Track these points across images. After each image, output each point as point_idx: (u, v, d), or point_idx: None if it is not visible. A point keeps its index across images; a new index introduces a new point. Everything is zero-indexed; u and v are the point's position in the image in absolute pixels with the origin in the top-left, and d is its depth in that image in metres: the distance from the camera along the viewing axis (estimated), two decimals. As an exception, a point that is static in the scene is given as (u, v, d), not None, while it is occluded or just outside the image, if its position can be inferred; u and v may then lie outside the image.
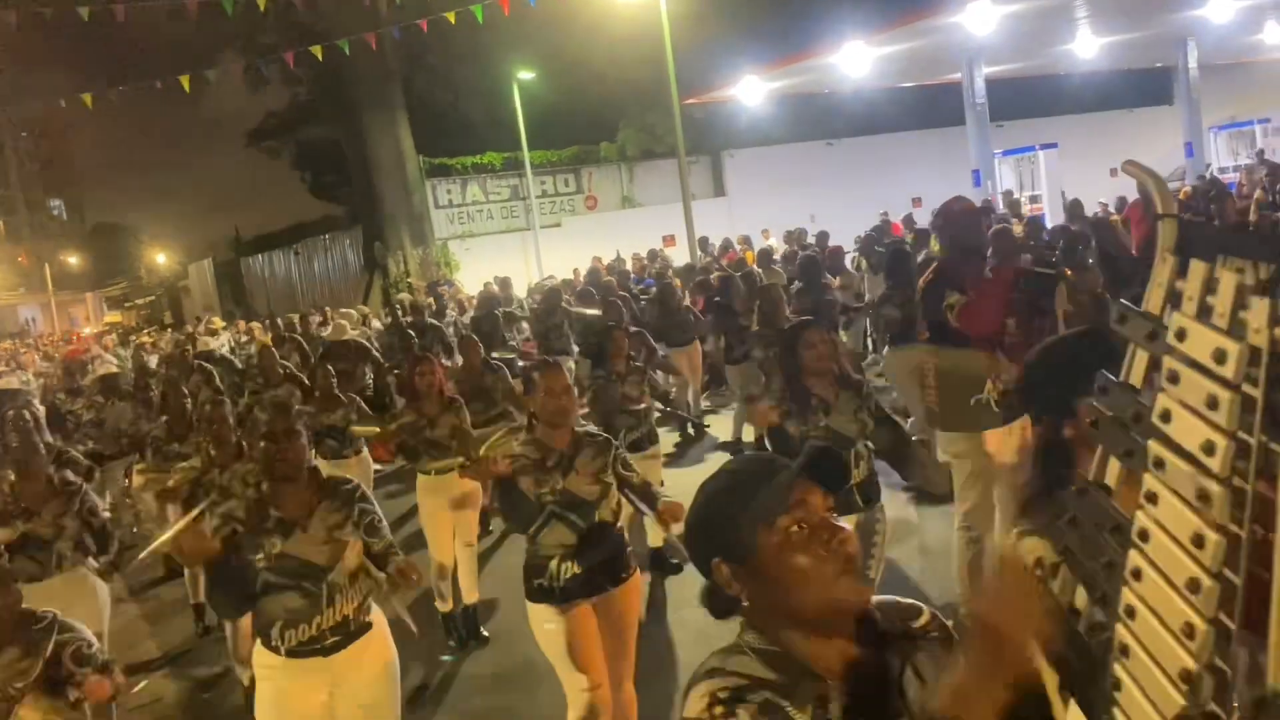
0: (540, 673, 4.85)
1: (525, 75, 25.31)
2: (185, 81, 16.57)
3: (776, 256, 15.44)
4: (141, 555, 5.33)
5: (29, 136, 78.56)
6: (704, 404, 10.49)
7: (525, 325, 11.92)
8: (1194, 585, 1.05)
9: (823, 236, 16.03)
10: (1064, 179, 22.79)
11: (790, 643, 1.46)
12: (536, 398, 3.64)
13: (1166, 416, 1.10)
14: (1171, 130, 29.49)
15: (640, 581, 3.77)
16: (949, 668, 1.34)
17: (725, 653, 1.49)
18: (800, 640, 1.46)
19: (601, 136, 28.37)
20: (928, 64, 22.10)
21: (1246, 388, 1.02)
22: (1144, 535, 1.13)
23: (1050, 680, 1.23)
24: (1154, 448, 1.11)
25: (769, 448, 4.13)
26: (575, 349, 10.44)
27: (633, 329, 7.36)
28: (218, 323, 17.67)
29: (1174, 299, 1.13)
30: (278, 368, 8.14)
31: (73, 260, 67.24)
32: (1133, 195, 18.01)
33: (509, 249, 25.62)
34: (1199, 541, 1.05)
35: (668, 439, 8.64)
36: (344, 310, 13.70)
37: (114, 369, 10.08)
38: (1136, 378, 1.19)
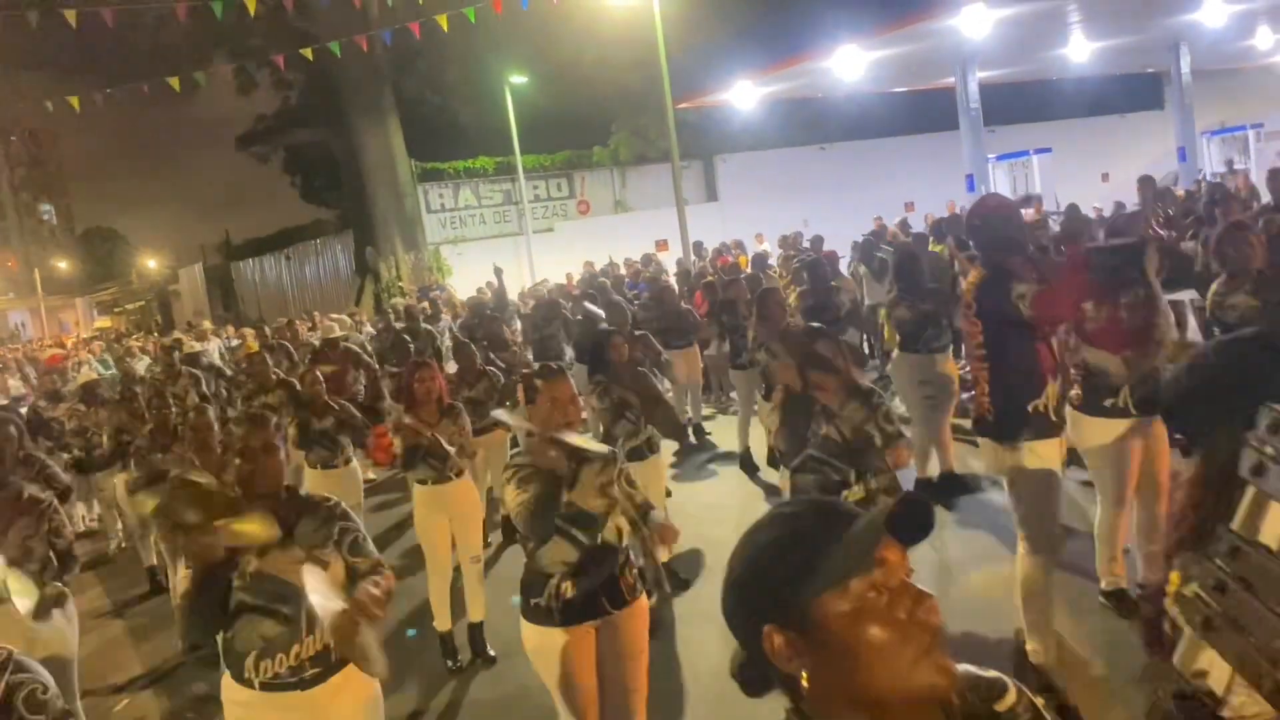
0: (548, 697, 4.74)
1: (518, 79, 25.21)
2: (175, 83, 16.44)
3: (771, 261, 15.34)
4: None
5: (18, 140, 78.27)
6: (703, 410, 10.29)
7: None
8: None
9: (817, 241, 15.92)
10: (1057, 184, 22.76)
11: None
12: (540, 407, 3.42)
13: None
14: (1163, 135, 29.51)
15: (646, 605, 3.56)
16: None
17: None
18: None
19: (594, 141, 28.28)
20: (921, 68, 22.02)
21: None
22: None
23: None
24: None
25: (779, 455, 3.94)
26: (570, 356, 10.31)
27: (637, 332, 7.23)
28: (207, 326, 17.47)
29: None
30: (270, 373, 7.96)
31: (62, 265, 66.98)
32: (1126, 199, 18.02)
33: (501, 254, 25.38)
34: None
35: (667, 446, 8.45)
36: (334, 316, 13.54)
37: (95, 376, 9.88)
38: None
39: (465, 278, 23.18)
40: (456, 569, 5.56)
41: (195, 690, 5.64)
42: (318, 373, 6.61)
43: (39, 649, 3.90)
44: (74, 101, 16.14)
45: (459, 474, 5.35)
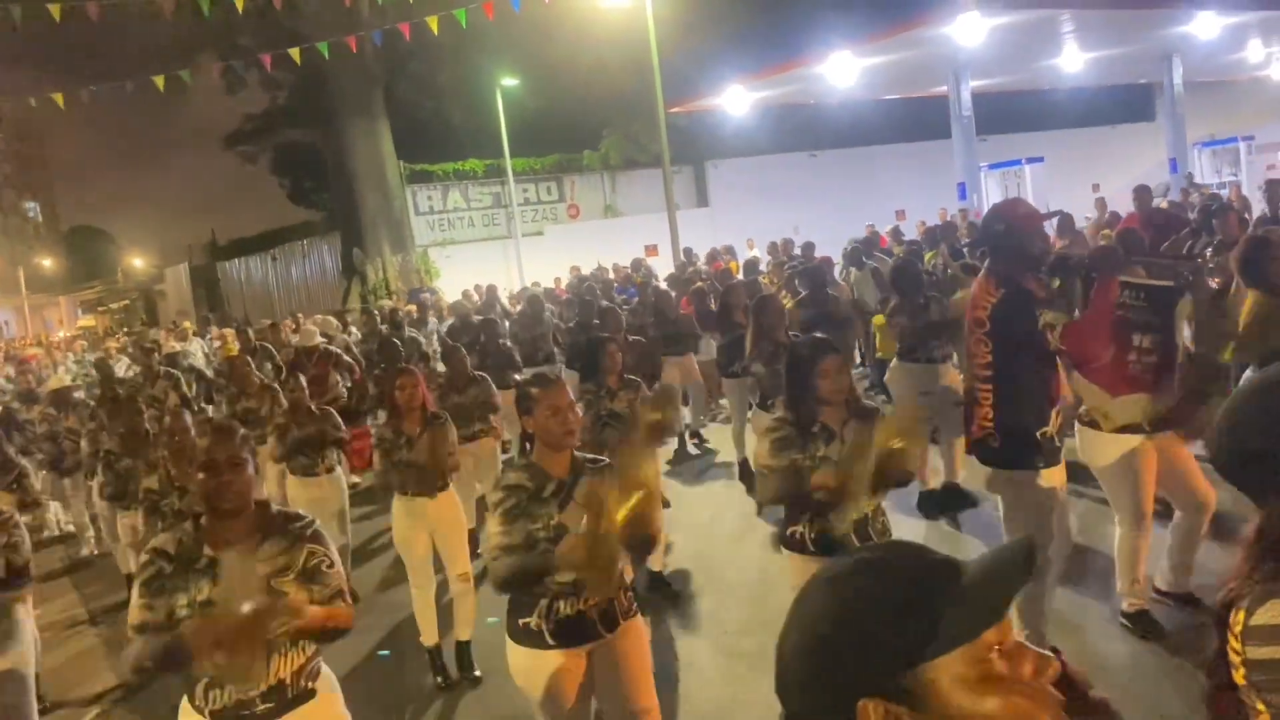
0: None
1: (508, 82, 25.07)
2: (160, 81, 16.23)
3: (762, 267, 15.22)
4: None
5: (3, 137, 77.78)
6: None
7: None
8: None
9: (808, 248, 15.80)
10: (1048, 194, 22.71)
11: None
12: (537, 417, 3.15)
13: None
14: (1153, 146, 29.57)
15: (642, 624, 3.37)
16: None
17: None
18: None
19: (584, 145, 28.15)
20: (914, 76, 22.00)
21: None
22: None
23: None
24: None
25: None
26: (560, 361, 10.15)
27: (632, 338, 7.07)
28: (189, 326, 17.21)
29: None
30: (253, 377, 7.72)
31: (47, 263, 66.40)
32: (1118, 209, 17.96)
33: (490, 257, 25.35)
34: None
35: (661, 455, 8.28)
36: (319, 317, 13.32)
37: (66, 382, 9.62)
38: None
39: (453, 280, 22.99)
40: (444, 579, 5.38)
41: (171, 701, 5.42)
42: (300, 378, 6.39)
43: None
44: (59, 99, 15.91)
45: (443, 488, 5.13)
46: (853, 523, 3.49)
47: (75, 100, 16.46)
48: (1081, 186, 26.72)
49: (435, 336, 11.19)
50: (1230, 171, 24.21)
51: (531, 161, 27.59)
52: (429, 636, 5.18)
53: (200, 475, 2.76)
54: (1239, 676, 1.40)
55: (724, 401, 9.04)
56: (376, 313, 12.79)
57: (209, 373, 10.31)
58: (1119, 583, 4.56)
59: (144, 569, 2.73)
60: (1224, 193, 19.64)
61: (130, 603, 2.80)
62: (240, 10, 13.20)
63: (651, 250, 22.89)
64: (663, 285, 13.65)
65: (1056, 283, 4.36)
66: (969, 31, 16.98)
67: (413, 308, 15.00)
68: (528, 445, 3.30)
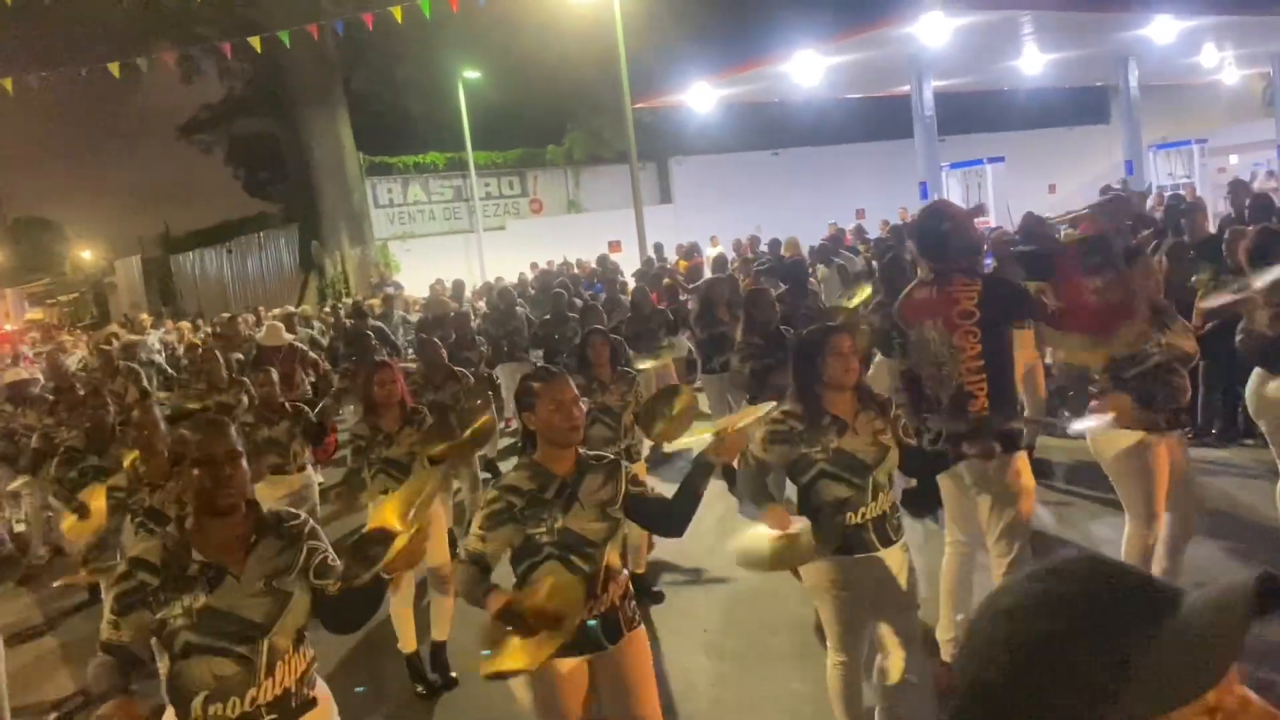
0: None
1: (471, 74, 24.84)
2: (115, 69, 15.87)
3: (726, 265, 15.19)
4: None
5: (-54, 125, 75.73)
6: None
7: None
8: None
9: (774, 245, 15.84)
10: (1006, 194, 22.94)
11: None
12: (540, 412, 3.00)
13: None
14: (1108, 148, 30.05)
15: (645, 634, 3.23)
16: None
17: None
18: None
19: (548, 139, 27.99)
20: (877, 76, 22.11)
21: None
22: None
23: None
24: None
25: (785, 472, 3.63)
26: (534, 355, 10.03)
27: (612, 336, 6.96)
28: (146, 320, 16.81)
29: None
30: (222, 370, 7.51)
31: (-9, 255, 64.74)
32: (1068, 209, 18.18)
33: (451, 251, 25.13)
34: None
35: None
36: (276, 312, 13.07)
37: (24, 375, 9.27)
38: None
39: (414, 275, 22.76)
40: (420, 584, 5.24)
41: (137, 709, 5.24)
42: (272, 373, 6.19)
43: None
44: (7, 84, 15.47)
45: None
46: (870, 520, 3.41)
47: (24, 87, 16.03)
48: (1037, 187, 27.07)
49: (401, 330, 11.01)
50: (1183, 174, 24.62)
51: (494, 155, 27.39)
52: (407, 643, 5.00)
53: (195, 472, 2.57)
54: None
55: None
56: (343, 307, 12.56)
57: (169, 368, 10.02)
58: None
59: (120, 581, 2.54)
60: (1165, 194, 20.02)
61: (103, 615, 2.65)
62: (198, -2, 12.90)
63: (615, 246, 22.82)
64: (630, 282, 13.58)
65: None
66: (933, 31, 17.08)
67: (376, 301, 14.76)
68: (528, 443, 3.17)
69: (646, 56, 20.97)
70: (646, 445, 6.17)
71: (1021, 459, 4.02)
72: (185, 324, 15.18)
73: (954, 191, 22.56)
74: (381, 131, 26.47)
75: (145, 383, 8.49)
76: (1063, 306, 4.08)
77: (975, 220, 4.42)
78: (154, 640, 2.57)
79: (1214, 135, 26.15)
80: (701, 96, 22.59)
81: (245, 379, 7.77)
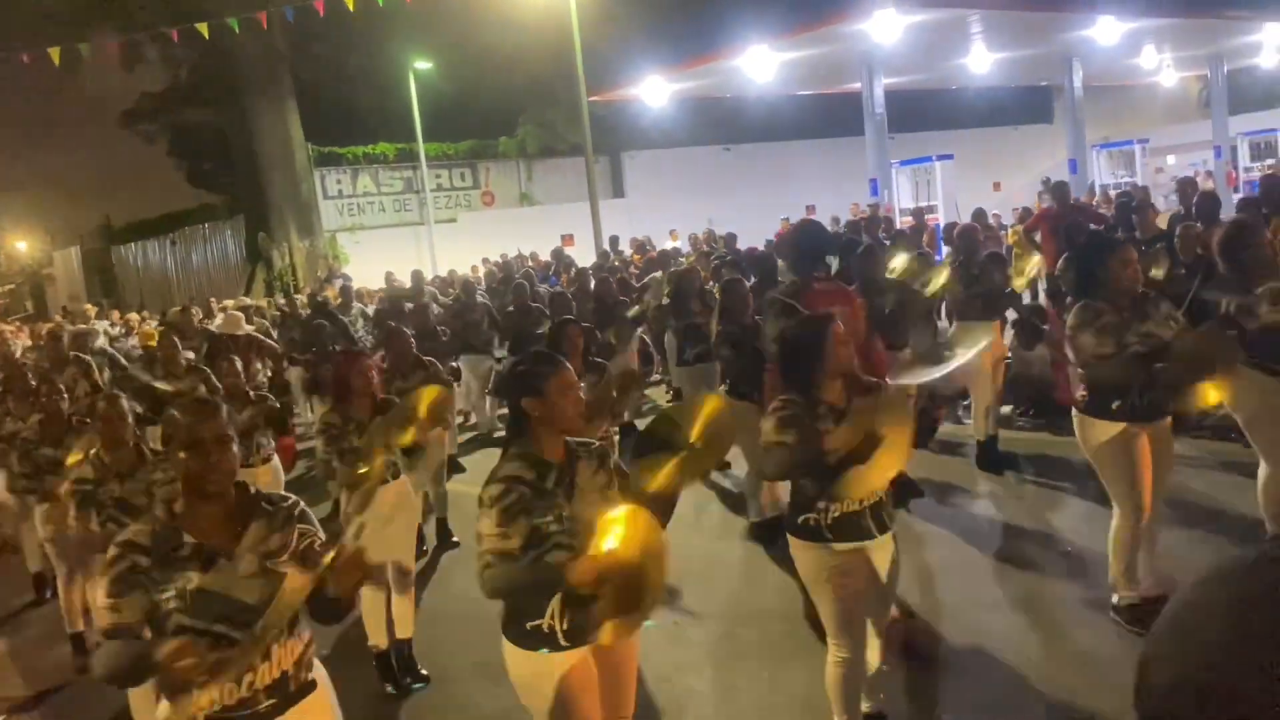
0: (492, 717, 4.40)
1: (422, 65, 24.58)
2: (56, 54, 15.46)
3: (680, 259, 15.23)
4: None
5: (-128, 110, 73.30)
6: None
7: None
8: None
9: (730, 239, 15.95)
10: (954, 191, 23.30)
11: None
12: (550, 398, 2.91)
13: None
14: (1051, 147, 30.61)
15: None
16: None
17: None
18: None
19: (500, 131, 27.83)
20: (829, 72, 22.30)
21: None
22: None
23: None
24: None
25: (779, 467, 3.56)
26: (498, 348, 9.97)
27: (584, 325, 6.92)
28: (91, 311, 16.39)
29: None
30: (180, 358, 7.35)
31: (-80, 245, 62.73)
32: (1015, 207, 18.54)
33: (401, 243, 24.86)
34: None
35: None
36: (230, 303, 12.83)
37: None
38: None
39: (363, 267, 22.50)
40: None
41: (92, 715, 5.09)
42: (236, 362, 6.07)
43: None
44: (-59, 68, 15.02)
45: (395, 475, 4.91)
46: (867, 508, 3.41)
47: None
48: (982, 185, 27.51)
49: (361, 322, 10.87)
50: (1125, 173, 25.19)
51: (445, 147, 27.17)
52: (379, 638, 4.91)
53: (184, 456, 2.56)
54: None
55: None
56: (296, 298, 12.36)
57: (122, 359, 9.75)
58: (1111, 572, 4.53)
59: (113, 564, 2.49)
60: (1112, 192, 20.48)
61: (97, 603, 2.59)
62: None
63: (568, 240, 22.77)
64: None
65: None
66: (885, 28, 17.27)
67: (332, 292, 14.56)
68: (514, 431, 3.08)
69: (600, 49, 20.91)
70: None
71: None
72: (134, 315, 14.81)
73: (904, 188, 22.84)
74: (331, 122, 26.09)
75: (97, 375, 8.28)
76: None
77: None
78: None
79: (1153, 136, 26.79)
80: (655, 90, 22.60)
81: (204, 368, 7.63)
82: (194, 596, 2.46)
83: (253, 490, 2.73)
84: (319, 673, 2.75)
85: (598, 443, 3.13)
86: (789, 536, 3.53)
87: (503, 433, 10.71)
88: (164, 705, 2.50)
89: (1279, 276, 4.51)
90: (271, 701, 2.56)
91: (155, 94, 29.14)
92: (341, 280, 18.73)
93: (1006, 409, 8.01)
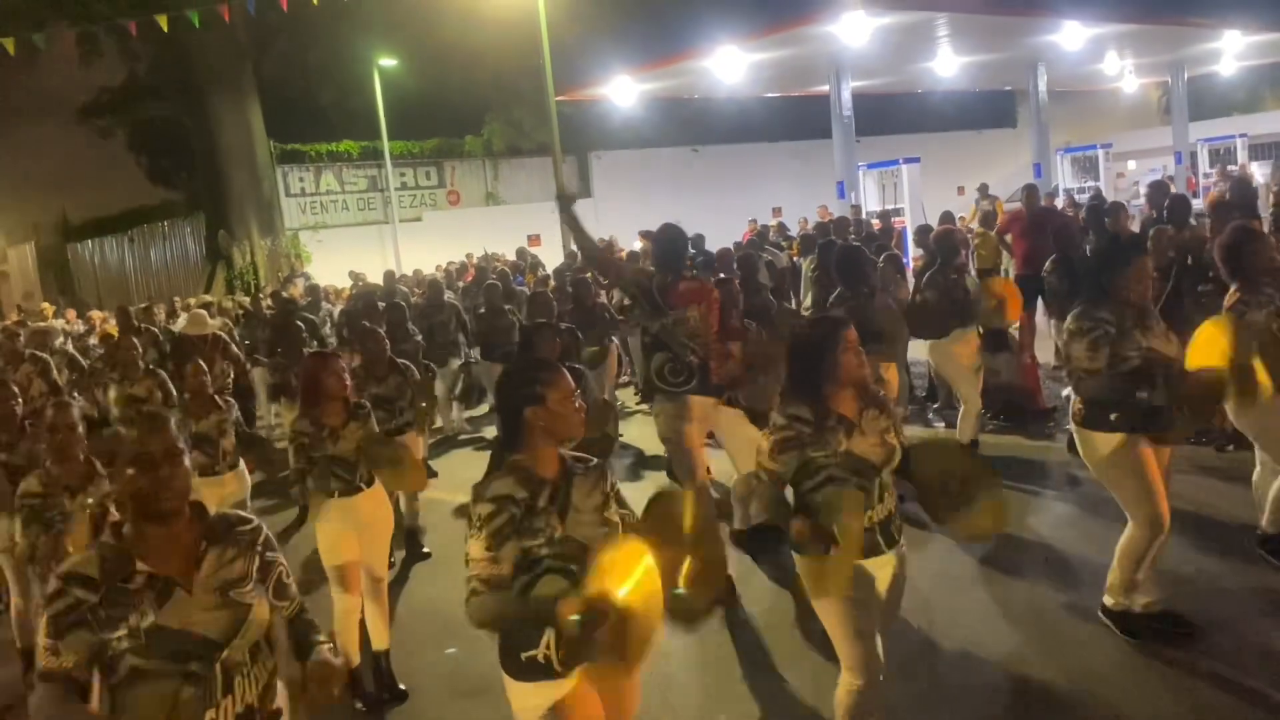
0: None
1: (387, 62, 24.29)
2: (10, 45, 15.08)
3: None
4: None
5: None
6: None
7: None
8: None
9: (699, 240, 15.84)
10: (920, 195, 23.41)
11: None
12: (549, 406, 2.72)
13: None
14: (1014, 152, 30.93)
15: None
16: None
17: None
18: None
19: (466, 130, 27.59)
20: (797, 75, 22.31)
21: None
22: None
23: None
24: None
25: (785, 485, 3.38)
26: (466, 349, 9.80)
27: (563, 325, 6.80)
28: (46, 308, 15.98)
29: None
30: (138, 361, 7.08)
31: None
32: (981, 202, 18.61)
33: (365, 242, 24.60)
34: None
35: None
36: (197, 299, 12.55)
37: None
38: None
39: (326, 266, 22.20)
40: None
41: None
42: (201, 364, 5.85)
43: None
44: (-108, 59, 14.58)
45: (369, 483, 4.67)
46: (877, 523, 3.25)
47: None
48: (946, 188, 27.69)
49: (328, 323, 10.66)
50: (1089, 178, 25.45)
51: (410, 145, 26.89)
52: (353, 655, 4.67)
53: (130, 472, 2.32)
54: None
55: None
56: (262, 297, 12.08)
57: (81, 360, 9.45)
58: (1110, 578, 4.40)
59: (54, 600, 2.24)
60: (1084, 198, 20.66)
61: (17, 603, 2.38)
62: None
63: (534, 240, 22.62)
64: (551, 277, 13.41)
65: None
66: (853, 30, 17.27)
67: (297, 290, 14.29)
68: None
69: (568, 48, 20.75)
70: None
71: None
72: (97, 313, 14.41)
73: (871, 191, 22.91)
74: (293, 118, 25.71)
75: (55, 375, 8.00)
76: None
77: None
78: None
79: (1114, 141, 27.11)
80: (623, 90, 22.48)
81: (161, 371, 7.40)
82: (149, 635, 2.22)
83: (211, 512, 2.49)
84: (283, 698, 2.54)
85: (594, 460, 2.93)
86: (795, 556, 3.34)
87: (469, 435, 10.52)
88: None
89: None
90: None
91: (113, 89, 28.57)
92: (304, 279, 18.45)
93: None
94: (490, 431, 10.05)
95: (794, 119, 27.94)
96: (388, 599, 4.97)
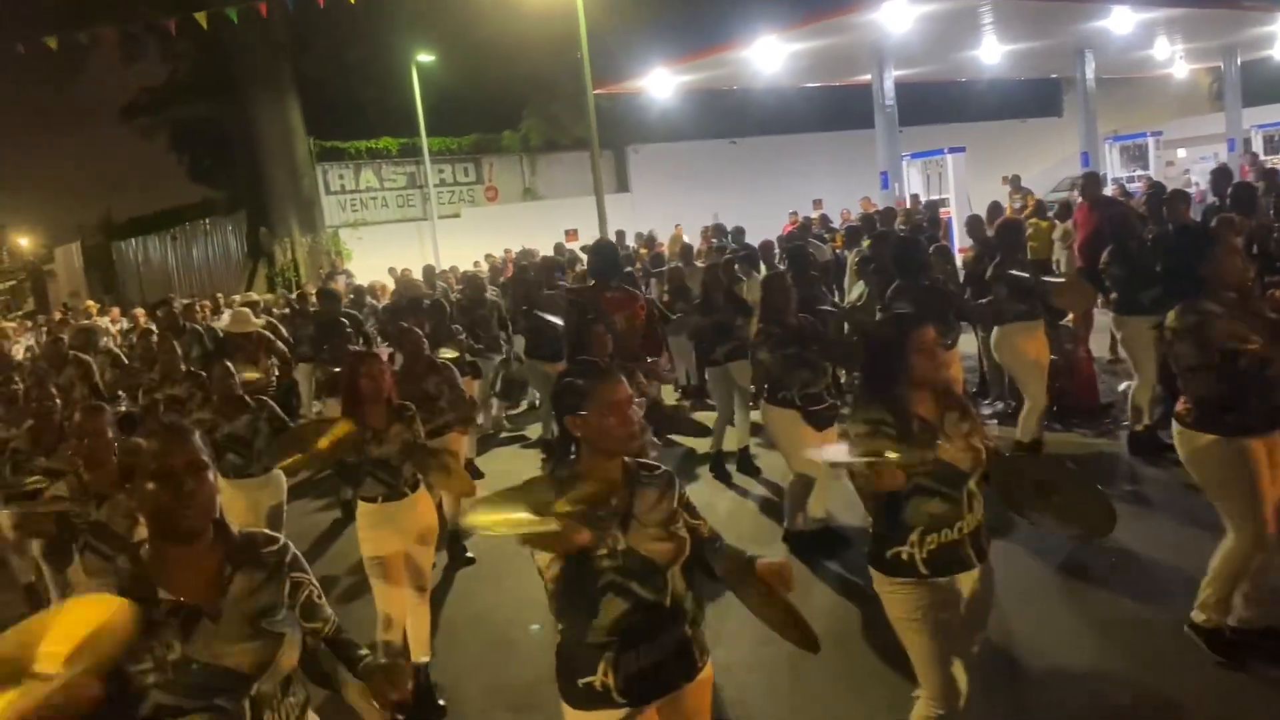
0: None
1: (424, 58, 24.28)
2: (53, 43, 15.22)
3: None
4: None
5: (-128, 106, 73.08)
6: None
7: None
8: None
9: (739, 233, 15.65)
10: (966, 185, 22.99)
11: None
12: (590, 416, 2.56)
13: None
14: (1060, 141, 30.31)
15: (711, 672, 2.76)
16: None
17: None
18: None
19: (503, 125, 27.54)
20: (838, 64, 21.99)
21: None
22: None
23: None
24: None
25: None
26: (507, 345, 9.68)
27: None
28: (91, 306, 16.07)
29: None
30: (179, 362, 6.99)
31: (-79, 241, 62.43)
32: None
33: (404, 239, 24.62)
34: None
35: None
36: (236, 298, 12.54)
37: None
38: None
39: (365, 263, 22.23)
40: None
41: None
42: (228, 365, 5.72)
43: None
44: (-62, 62, 14.76)
45: (414, 487, 4.50)
46: (967, 535, 3.04)
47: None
48: (991, 178, 27.21)
49: (371, 320, 10.57)
50: (1137, 166, 24.87)
51: (448, 141, 26.87)
52: (407, 651, 4.51)
53: (150, 487, 2.14)
54: None
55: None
56: (309, 295, 11.98)
57: (124, 358, 9.40)
58: (1202, 593, 4.07)
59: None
60: (1134, 186, 20.19)
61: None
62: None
63: (572, 235, 22.49)
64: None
65: None
66: (896, 18, 17.00)
67: (337, 287, 14.25)
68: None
69: (605, 41, 20.58)
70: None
71: None
72: (140, 310, 14.41)
73: (914, 181, 22.55)
74: (333, 116, 25.81)
75: (98, 378, 7.94)
76: None
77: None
78: None
79: (1164, 129, 26.46)
80: (660, 83, 22.29)
81: (200, 373, 7.31)
82: (176, 668, 2.05)
83: (236, 532, 2.29)
84: None
85: (663, 468, 2.74)
86: (873, 572, 3.14)
87: (510, 432, 10.38)
88: None
89: None
90: None
91: (154, 89, 28.86)
92: (344, 277, 18.45)
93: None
94: (532, 429, 9.91)
95: (834, 109, 27.57)
96: (429, 608, 4.81)
